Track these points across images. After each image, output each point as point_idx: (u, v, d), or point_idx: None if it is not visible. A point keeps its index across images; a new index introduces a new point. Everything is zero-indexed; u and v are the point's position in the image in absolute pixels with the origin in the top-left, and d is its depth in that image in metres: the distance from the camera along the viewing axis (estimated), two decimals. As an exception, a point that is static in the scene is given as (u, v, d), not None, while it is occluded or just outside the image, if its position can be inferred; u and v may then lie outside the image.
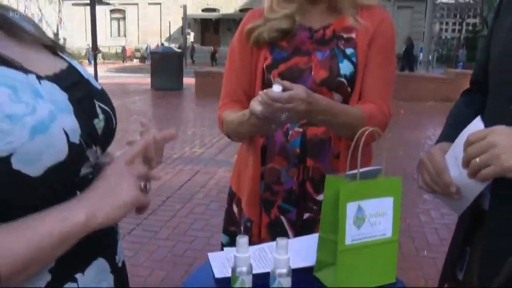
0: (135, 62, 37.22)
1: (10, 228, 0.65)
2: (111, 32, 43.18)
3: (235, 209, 1.57)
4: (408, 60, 19.41)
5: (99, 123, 0.80)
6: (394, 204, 0.98)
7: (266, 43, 1.43)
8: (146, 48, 35.32)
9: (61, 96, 0.73)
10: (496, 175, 0.94)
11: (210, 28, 43.50)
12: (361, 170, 0.94)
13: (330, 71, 1.38)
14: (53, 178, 0.69)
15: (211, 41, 41.96)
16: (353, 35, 1.43)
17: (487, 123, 1.08)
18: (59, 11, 55.40)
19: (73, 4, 32.81)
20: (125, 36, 43.78)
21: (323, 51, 1.41)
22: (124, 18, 43.72)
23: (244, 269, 0.83)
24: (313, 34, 1.44)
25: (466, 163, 0.99)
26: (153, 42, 38.00)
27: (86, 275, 0.77)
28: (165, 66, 13.88)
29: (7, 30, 0.77)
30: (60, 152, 0.69)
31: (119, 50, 39.93)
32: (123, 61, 36.07)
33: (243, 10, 42.75)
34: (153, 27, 42.74)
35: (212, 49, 34.88)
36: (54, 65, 0.79)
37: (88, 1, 14.71)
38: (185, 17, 32.37)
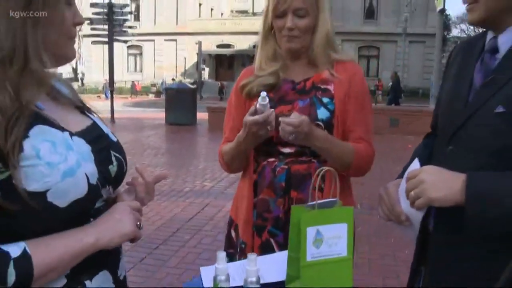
0: (151, 96, 37.97)
1: (40, 243, 0.91)
2: (128, 67, 44.23)
3: (233, 234, 1.83)
4: (394, 94, 20.34)
5: (113, 168, 1.07)
6: (348, 229, 1.22)
7: (256, 95, 1.69)
8: (162, 83, 36.06)
9: (86, 148, 1.00)
10: (426, 205, 1.18)
11: (225, 63, 44.36)
12: (320, 201, 1.19)
13: (310, 116, 1.64)
14: (75, 209, 0.95)
15: (225, 76, 42.75)
16: (329, 87, 1.71)
17: (433, 162, 1.32)
18: (79, 48, 57.10)
19: (92, 42, 33.97)
20: (141, 71, 44.81)
21: (303, 99, 1.70)
22: (140, 54, 44.83)
23: (223, 277, 1.07)
24: (295, 86, 1.73)
25: (406, 195, 1.24)
26: (168, 77, 38.84)
27: (93, 283, 1.02)
28: (179, 101, 14.30)
29: (48, 92, 1.04)
30: (81, 190, 0.95)
31: (141, 84, 40.86)
32: (130, 96, 36.75)
33: (256, 47, 43.73)
34: (169, 63, 43.75)
35: (220, 84, 35.64)
36: (82, 122, 1.07)
37: (107, 39, 15.38)
38: (200, 53, 33.20)
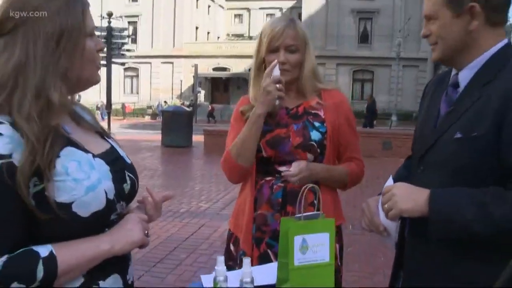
0: (147, 118, 38.19)
1: (64, 247, 1.09)
2: (124, 89, 44.50)
3: (232, 247, 2.01)
4: (370, 117, 20.90)
5: (127, 186, 1.26)
6: (330, 238, 1.41)
7: None
8: (157, 106, 36.30)
9: (105, 168, 1.19)
10: (397, 215, 1.38)
11: (220, 86, 44.80)
12: (305, 214, 1.38)
13: (304, 137, 1.89)
14: (94, 219, 1.13)
15: (221, 99, 43.14)
16: (319, 112, 1.94)
17: (409, 181, 1.52)
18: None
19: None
20: (137, 93, 45.11)
21: (297, 123, 1.91)
22: (137, 76, 45.18)
23: (221, 278, 1.25)
24: (289, 112, 1.95)
25: (382, 208, 1.43)
26: (164, 99, 39.11)
27: (106, 284, 1.19)
28: (175, 124, 14.49)
29: (72, 118, 1.24)
30: (100, 204, 1.14)
31: (131, 107, 41.04)
32: (123, 118, 36.85)
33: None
34: (165, 85, 44.09)
35: (210, 107, 35.99)
36: (102, 146, 1.26)
37: (105, 62, 15.65)
38: (196, 76, 33.54)
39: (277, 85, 1.81)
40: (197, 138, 14.80)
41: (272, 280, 1.46)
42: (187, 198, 7.36)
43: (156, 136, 16.59)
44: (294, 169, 1.81)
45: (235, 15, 54.47)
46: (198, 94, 37.67)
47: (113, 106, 20.55)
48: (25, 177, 1.02)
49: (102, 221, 1.17)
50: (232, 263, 1.99)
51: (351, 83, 40.94)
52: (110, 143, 1.31)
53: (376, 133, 14.78)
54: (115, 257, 1.18)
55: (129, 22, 42.95)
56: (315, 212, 1.43)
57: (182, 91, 42.86)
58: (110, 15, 15.13)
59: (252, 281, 1.27)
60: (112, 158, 1.24)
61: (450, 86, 1.49)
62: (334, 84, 2.11)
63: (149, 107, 40.50)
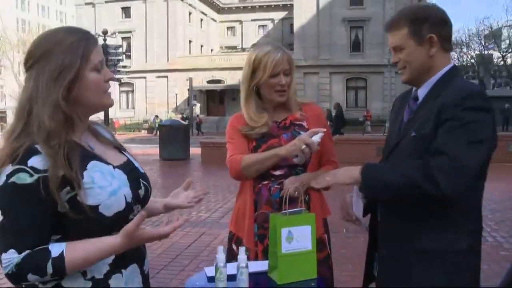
0: (143, 132, 38.41)
1: (73, 248, 1.32)
2: (120, 104, 44.74)
3: (234, 247, 2.27)
4: (337, 124, 21.15)
5: (141, 192, 1.53)
6: (311, 230, 1.68)
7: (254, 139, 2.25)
8: (153, 120, 36.53)
9: (124, 177, 1.46)
10: (331, 183, 1.77)
11: (216, 98, 45.13)
12: (290, 210, 1.65)
13: None
14: (116, 218, 1.40)
15: (217, 111, 43.44)
16: (303, 123, 2.24)
17: None
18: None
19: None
20: (133, 108, 45.38)
21: (286, 133, 2.22)
22: (132, 91, 45.47)
23: (221, 264, 1.52)
24: (279, 124, 2.25)
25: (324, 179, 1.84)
26: (160, 113, 39.34)
27: (126, 272, 1.46)
28: (172, 137, 14.76)
29: (94, 135, 1.51)
30: (121, 205, 1.41)
31: (128, 121, 41.28)
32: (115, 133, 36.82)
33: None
34: (160, 99, 44.36)
35: (198, 119, 36.25)
36: (120, 159, 1.53)
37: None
38: (191, 89, 33.83)
39: (307, 148, 2.02)
40: (194, 150, 15.04)
41: (265, 267, 1.73)
42: (187, 209, 7.61)
43: (153, 150, 16.83)
44: (288, 186, 2.08)
45: (228, 28, 55.04)
46: (194, 107, 37.97)
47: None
48: (56, 187, 1.28)
49: (122, 220, 1.44)
50: (235, 261, 2.25)
51: (345, 91, 41.36)
52: (126, 156, 1.58)
53: (370, 139, 15.13)
54: (133, 249, 1.44)
55: (123, 38, 43.38)
56: (298, 209, 1.71)
57: (178, 104, 43.15)
58: (105, 33, 15.46)
59: (247, 266, 1.54)
60: (129, 169, 1.52)
61: (412, 99, 1.84)
62: (309, 99, 2.42)
63: (145, 121, 40.73)
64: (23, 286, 1.32)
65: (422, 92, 1.79)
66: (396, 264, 1.74)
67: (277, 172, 2.17)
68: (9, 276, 1.29)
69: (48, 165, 1.29)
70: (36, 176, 1.28)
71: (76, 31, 1.45)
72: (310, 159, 2.17)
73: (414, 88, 1.87)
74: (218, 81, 44.79)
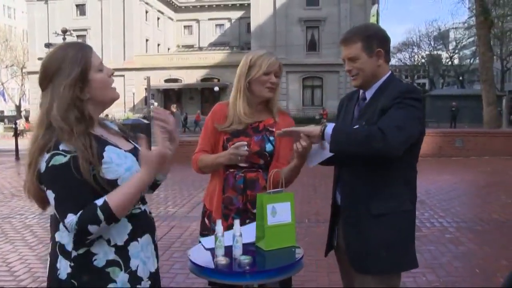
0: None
1: (112, 193, 1.63)
2: (75, 103, 43.72)
3: (206, 220, 2.63)
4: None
5: None
6: (291, 205, 2.06)
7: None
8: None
9: (134, 159, 1.78)
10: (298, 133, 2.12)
11: (173, 97, 44.95)
12: (273, 190, 2.02)
13: (260, 147, 2.54)
14: None
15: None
16: (273, 129, 2.58)
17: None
18: (22, 85, 56.01)
19: (39, 79, 34.00)
20: (89, 107, 44.52)
21: (257, 136, 2.56)
22: (88, 90, 44.61)
23: (220, 234, 1.87)
24: (252, 125, 2.58)
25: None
26: (117, 112, 38.93)
27: (142, 240, 1.78)
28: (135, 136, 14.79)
29: (104, 128, 1.83)
30: None
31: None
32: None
33: (204, 80, 44.64)
34: (117, 98, 43.78)
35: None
36: (128, 145, 1.85)
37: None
38: (149, 88, 33.63)
39: (237, 155, 2.39)
40: (156, 149, 15.15)
41: (252, 238, 2.09)
42: (155, 204, 7.86)
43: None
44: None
45: (185, 27, 54.90)
46: (151, 106, 37.75)
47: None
48: (86, 168, 1.61)
49: None
50: (207, 232, 2.57)
51: (301, 90, 42.13)
52: (132, 143, 1.89)
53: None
54: (147, 221, 1.77)
55: (77, 36, 42.56)
56: (279, 189, 2.08)
57: (135, 103, 42.80)
58: (64, 32, 15.38)
59: (241, 235, 1.90)
60: (137, 154, 1.83)
61: (361, 100, 2.29)
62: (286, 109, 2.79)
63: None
64: (88, 240, 1.63)
65: (369, 94, 2.24)
66: (353, 227, 2.18)
67: (242, 164, 2.51)
68: (75, 236, 1.61)
69: (75, 148, 1.61)
70: (68, 156, 1.60)
71: (72, 45, 1.78)
72: (271, 160, 2.55)
73: (361, 91, 2.30)
74: (176, 80, 44.70)
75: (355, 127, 2.10)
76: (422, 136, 2.15)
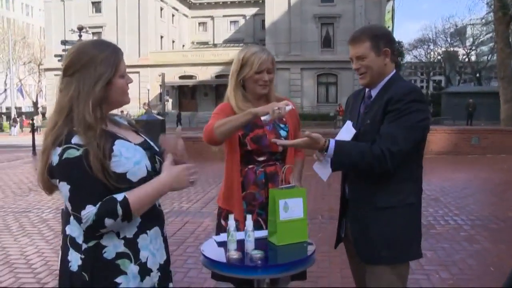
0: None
1: (133, 192, 1.67)
2: (91, 100, 44.09)
3: (222, 222, 2.63)
4: None
5: (157, 165, 1.86)
6: (303, 201, 2.07)
7: None
8: (126, 115, 36.34)
9: (143, 152, 1.80)
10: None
11: (188, 94, 45.12)
12: (285, 186, 2.04)
13: (276, 135, 2.57)
14: (140, 183, 1.74)
15: (189, 106, 43.50)
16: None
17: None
18: (39, 81, 56.63)
19: (56, 75, 34.21)
20: (105, 103, 44.84)
21: (269, 125, 2.57)
22: (103, 87, 44.92)
23: (232, 228, 1.89)
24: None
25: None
26: (132, 108, 39.22)
27: (151, 233, 1.80)
28: (149, 132, 14.76)
29: (115, 124, 1.86)
30: (144, 173, 1.76)
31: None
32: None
33: (218, 77, 44.70)
34: (132, 95, 43.59)
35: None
36: (138, 139, 1.88)
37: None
38: (163, 85, 33.82)
39: (278, 110, 2.34)
40: (171, 145, 15.23)
41: (264, 234, 2.11)
42: (169, 200, 7.93)
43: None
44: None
45: (199, 23, 54.96)
46: (166, 103, 37.96)
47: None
48: (97, 163, 1.64)
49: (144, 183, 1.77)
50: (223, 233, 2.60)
51: (315, 87, 42.00)
52: (143, 137, 1.92)
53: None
54: (156, 214, 1.80)
55: (93, 33, 42.85)
56: (291, 185, 2.10)
57: (150, 100, 43.01)
58: (80, 29, 15.51)
59: (253, 230, 1.91)
60: (146, 147, 1.85)
61: (367, 98, 2.35)
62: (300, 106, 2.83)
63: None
64: (99, 233, 1.66)
65: (374, 92, 2.31)
66: (360, 220, 2.23)
67: (260, 158, 2.55)
68: (89, 228, 1.63)
69: (86, 141, 1.65)
70: (81, 149, 1.63)
71: (107, 45, 1.82)
72: (287, 151, 2.59)
73: (367, 89, 2.36)
74: (190, 77, 44.81)
75: (358, 144, 2.17)
76: (426, 132, 2.23)
